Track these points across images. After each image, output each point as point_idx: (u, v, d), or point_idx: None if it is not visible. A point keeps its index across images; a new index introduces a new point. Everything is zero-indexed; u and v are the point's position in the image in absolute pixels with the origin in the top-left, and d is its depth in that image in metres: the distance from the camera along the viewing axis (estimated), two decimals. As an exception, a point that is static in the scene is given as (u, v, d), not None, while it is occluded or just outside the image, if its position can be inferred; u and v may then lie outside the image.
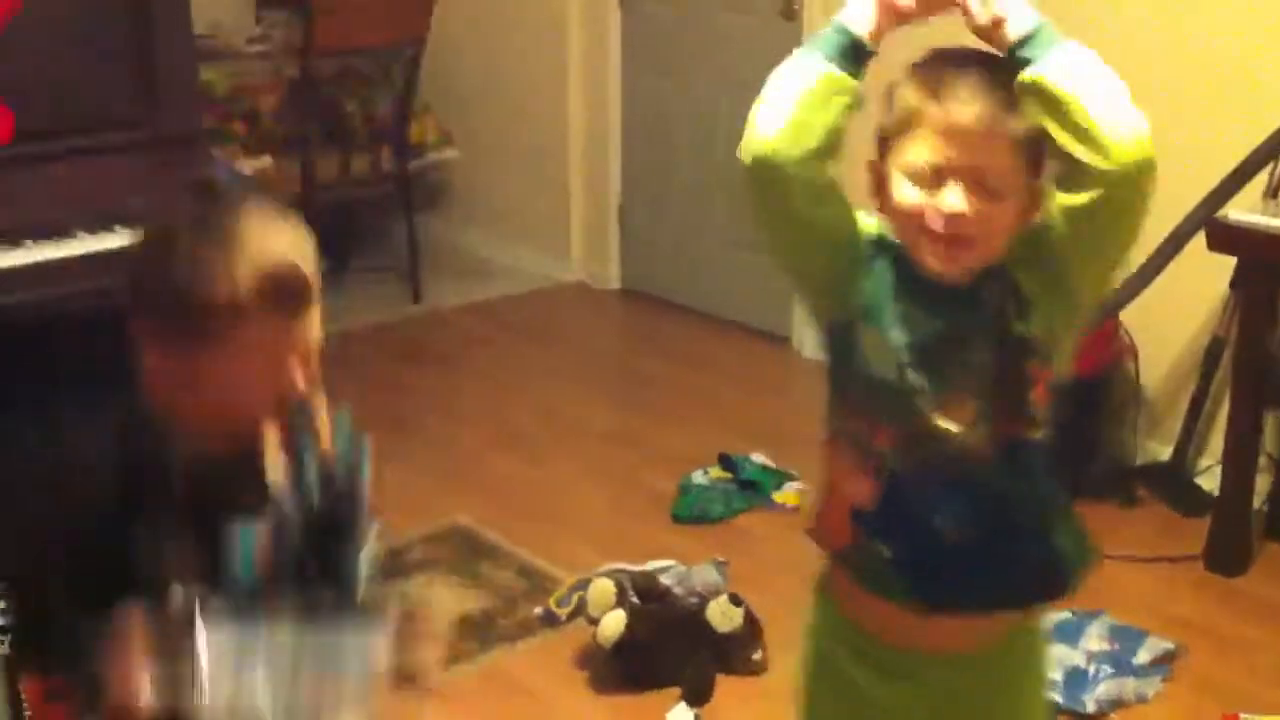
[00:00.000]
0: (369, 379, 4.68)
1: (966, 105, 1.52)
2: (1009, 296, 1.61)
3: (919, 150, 1.55)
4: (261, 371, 1.46)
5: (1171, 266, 3.41)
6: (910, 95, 1.57)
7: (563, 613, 3.23)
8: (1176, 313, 3.78)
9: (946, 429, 1.61)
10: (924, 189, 1.55)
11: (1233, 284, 3.55)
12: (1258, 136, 3.36)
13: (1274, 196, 3.37)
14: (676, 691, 2.95)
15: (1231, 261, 3.46)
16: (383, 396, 4.55)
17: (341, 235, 5.68)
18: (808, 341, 4.92)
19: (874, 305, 1.62)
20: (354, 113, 5.48)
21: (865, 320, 1.63)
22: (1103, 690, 2.91)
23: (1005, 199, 1.54)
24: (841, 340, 1.66)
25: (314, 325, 1.49)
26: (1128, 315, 3.74)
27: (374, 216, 5.85)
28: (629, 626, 2.98)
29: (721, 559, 3.35)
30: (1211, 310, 3.73)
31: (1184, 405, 3.79)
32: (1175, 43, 3.72)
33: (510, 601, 3.35)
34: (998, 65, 1.53)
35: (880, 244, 1.65)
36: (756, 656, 3.09)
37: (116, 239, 3.03)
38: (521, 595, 3.37)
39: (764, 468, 3.97)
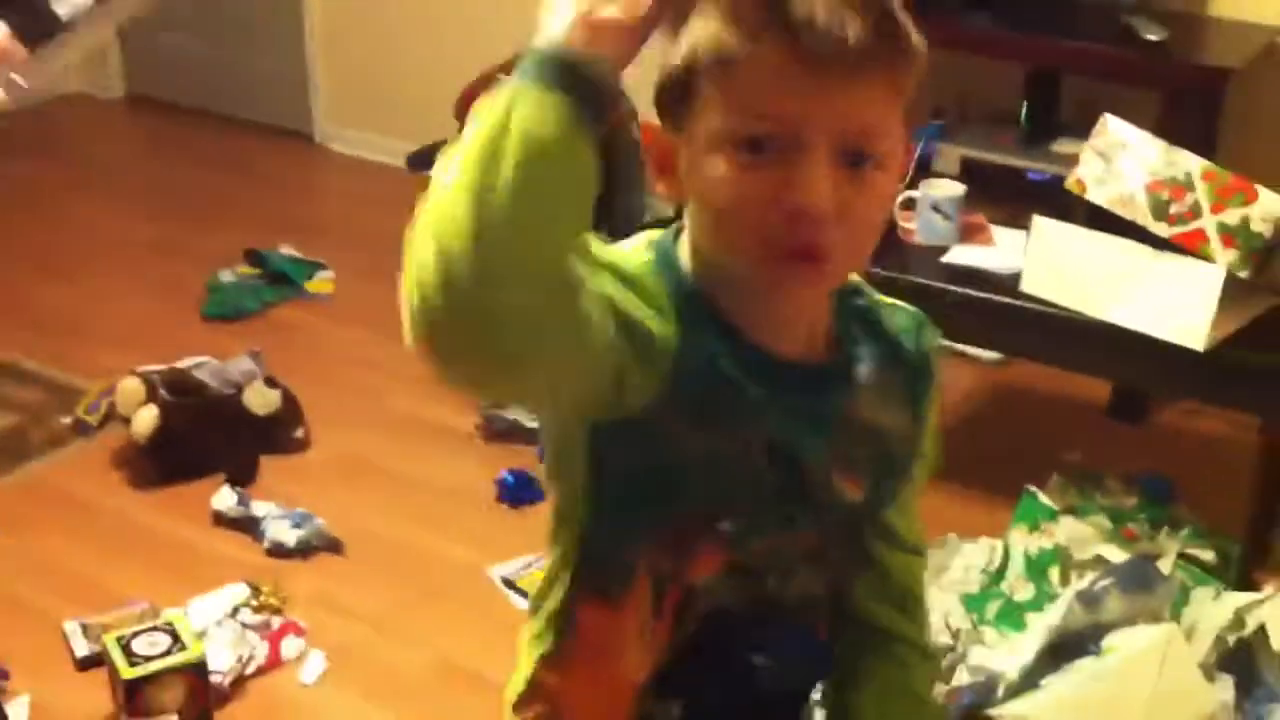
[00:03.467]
0: None
1: (830, 14, 0.96)
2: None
3: (747, 105, 0.98)
4: None
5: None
6: (718, 22, 0.99)
7: (93, 419, 3.18)
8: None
9: (788, 562, 1.16)
10: (753, 171, 0.99)
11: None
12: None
13: None
14: (221, 479, 3.00)
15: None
16: None
17: None
18: (331, 136, 4.92)
19: (686, 390, 1.02)
20: None
21: (674, 410, 1.02)
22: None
23: (881, 171, 1.01)
24: (624, 443, 1.04)
25: None
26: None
27: None
28: (162, 420, 2.98)
29: (256, 349, 3.38)
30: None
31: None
32: None
33: (37, 417, 3.26)
34: None
35: (677, 281, 1.06)
36: (298, 434, 3.18)
37: None
38: (50, 409, 3.28)
39: (293, 259, 3.99)
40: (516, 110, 0.86)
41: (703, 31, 1.00)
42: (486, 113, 0.87)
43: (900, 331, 1.17)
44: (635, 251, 1.08)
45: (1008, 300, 2.59)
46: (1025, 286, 2.57)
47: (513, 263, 0.84)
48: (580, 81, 0.88)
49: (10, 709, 2.38)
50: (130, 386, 3.03)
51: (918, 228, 2.78)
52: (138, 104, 5.39)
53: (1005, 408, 3.44)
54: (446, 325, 0.85)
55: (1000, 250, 2.73)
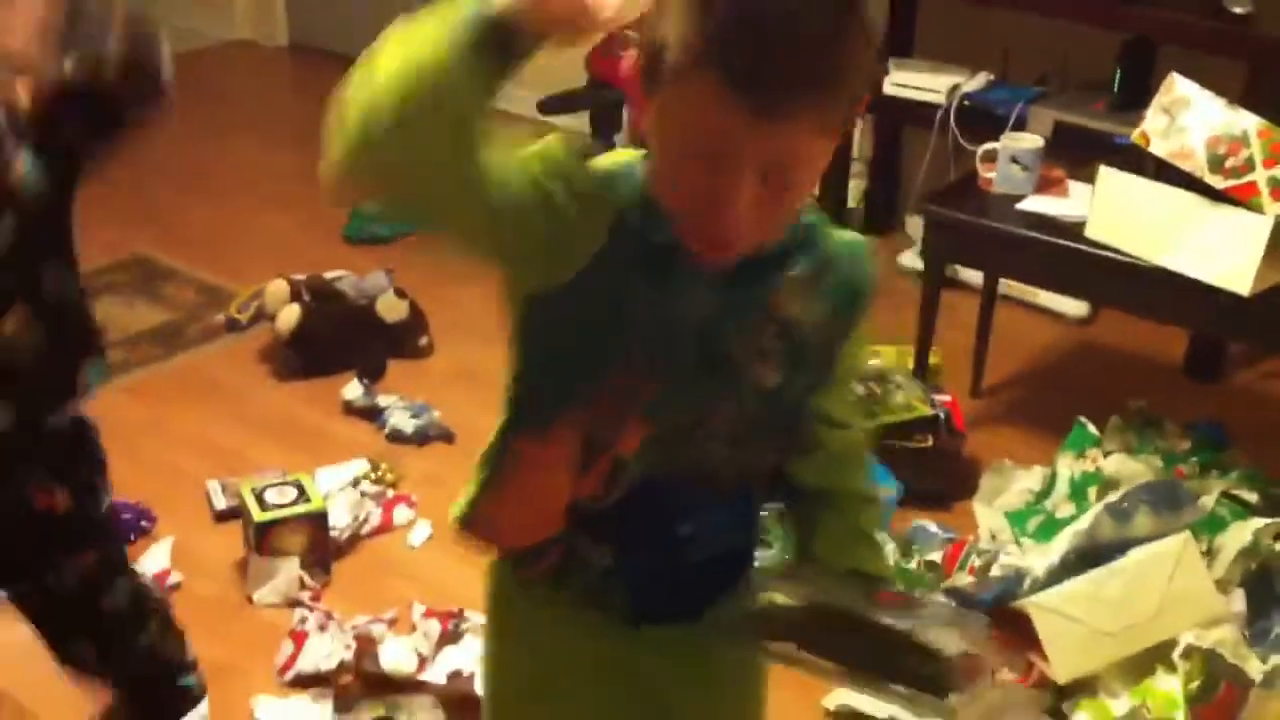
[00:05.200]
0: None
1: (770, 67, 1.08)
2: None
3: (692, 116, 1.13)
4: None
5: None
6: (679, 32, 1.12)
7: (244, 317, 3.55)
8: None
9: (709, 439, 1.32)
10: (691, 167, 1.14)
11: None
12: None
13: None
14: (352, 375, 3.33)
15: None
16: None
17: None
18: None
19: (617, 267, 1.22)
20: None
21: (604, 289, 1.23)
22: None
23: (801, 181, 1.18)
24: (559, 310, 1.25)
25: None
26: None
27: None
28: (304, 318, 3.33)
29: (390, 268, 3.71)
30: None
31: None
32: None
33: (194, 313, 3.65)
34: None
35: (624, 179, 1.25)
36: (423, 342, 3.51)
37: None
38: (204, 307, 3.67)
39: (429, 193, 4.32)
40: (441, 51, 1.05)
41: (671, 31, 1.12)
42: (427, 30, 1.06)
43: (836, 253, 1.32)
44: (621, 153, 1.28)
45: (1071, 244, 2.78)
46: (1089, 232, 2.76)
47: (407, 137, 1.07)
48: (500, 44, 1.07)
49: (154, 548, 2.74)
50: (277, 287, 3.39)
51: (996, 177, 2.98)
52: (299, 51, 5.79)
53: (1085, 361, 3.62)
54: (360, 152, 1.09)
55: (1073, 200, 2.93)
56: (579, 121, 4.42)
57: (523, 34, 1.09)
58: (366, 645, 2.43)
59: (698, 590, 1.41)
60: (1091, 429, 2.86)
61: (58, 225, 1.77)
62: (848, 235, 1.36)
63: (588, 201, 1.21)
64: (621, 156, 1.28)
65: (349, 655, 2.43)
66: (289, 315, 3.32)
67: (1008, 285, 3.53)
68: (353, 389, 3.23)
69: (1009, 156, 2.95)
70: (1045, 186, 2.99)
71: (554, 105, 4.30)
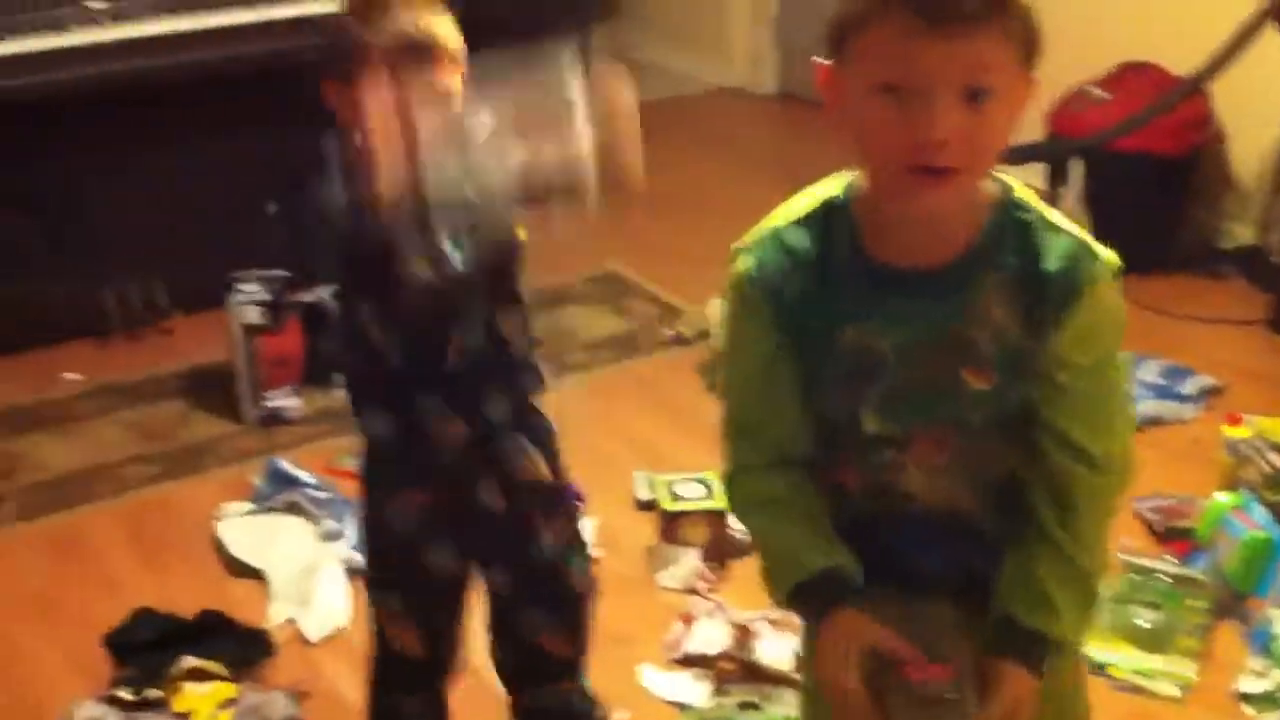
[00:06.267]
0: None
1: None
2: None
3: (881, 59, 1.23)
4: (391, 110, 1.77)
5: (1263, 56, 3.71)
6: None
7: (688, 333, 3.85)
8: (1267, 101, 4.08)
9: (912, 488, 1.42)
10: (889, 111, 1.24)
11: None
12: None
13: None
14: (779, 395, 3.53)
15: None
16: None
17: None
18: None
19: (827, 304, 1.38)
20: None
21: (815, 332, 1.39)
22: (1146, 409, 3.37)
23: (996, 100, 1.23)
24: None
25: (446, 84, 1.84)
26: (1220, 101, 4.08)
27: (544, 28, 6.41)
28: (740, 338, 3.56)
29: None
30: (1303, 102, 4.02)
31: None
32: None
33: (648, 326, 3.99)
34: None
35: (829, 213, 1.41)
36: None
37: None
38: (657, 322, 4.01)
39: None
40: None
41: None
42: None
43: (1049, 251, 1.31)
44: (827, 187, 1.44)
45: None
46: None
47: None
48: None
49: (582, 525, 3.03)
50: (714, 307, 3.66)
51: None
52: (785, 100, 6.11)
53: None
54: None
55: None
56: (1027, 174, 4.43)
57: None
58: (745, 636, 2.61)
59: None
60: None
61: None
62: (1068, 238, 1.33)
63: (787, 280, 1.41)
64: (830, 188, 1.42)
65: (731, 643, 2.62)
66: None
67: None
68: (777, 408, 3.42)
69: None
70: None
71: (1015, 156, 4.34)
